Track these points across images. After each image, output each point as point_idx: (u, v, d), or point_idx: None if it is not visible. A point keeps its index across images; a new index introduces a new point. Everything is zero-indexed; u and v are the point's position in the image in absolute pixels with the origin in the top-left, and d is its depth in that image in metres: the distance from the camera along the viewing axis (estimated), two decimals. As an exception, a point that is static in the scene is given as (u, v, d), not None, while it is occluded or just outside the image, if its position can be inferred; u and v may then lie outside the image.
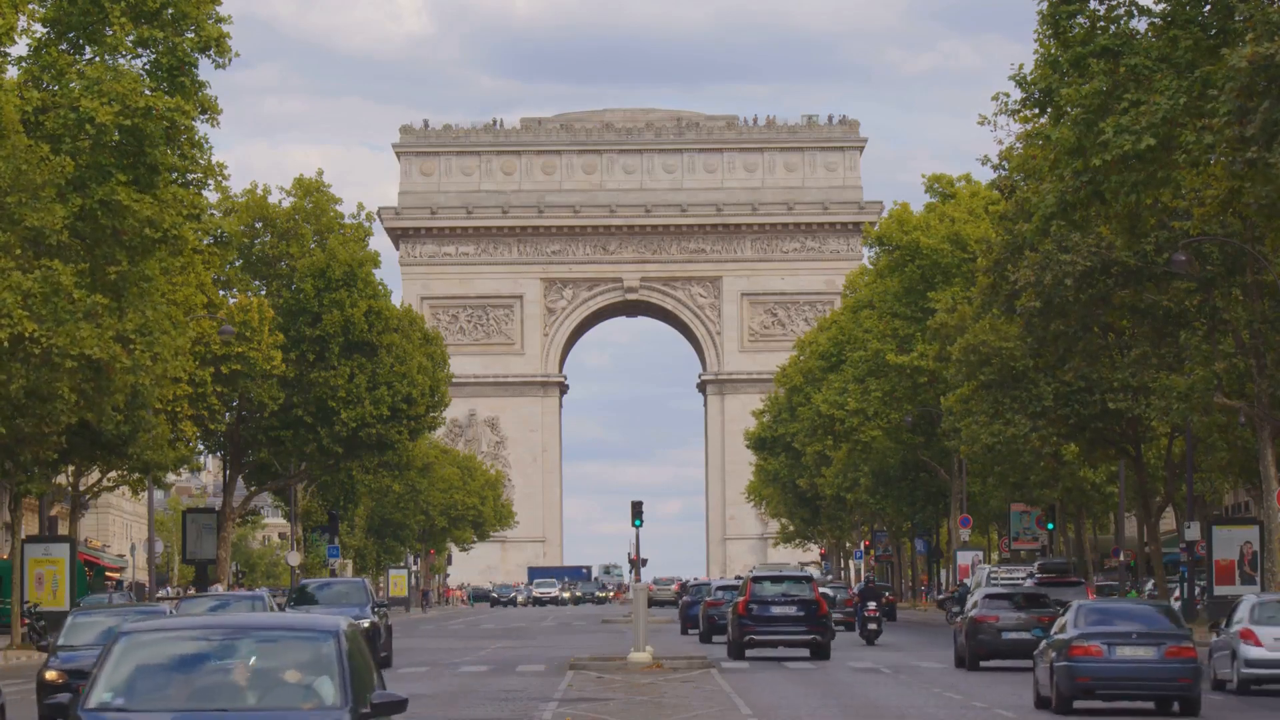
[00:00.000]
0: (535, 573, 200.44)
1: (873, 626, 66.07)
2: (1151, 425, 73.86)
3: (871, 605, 66.45)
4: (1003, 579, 70.19)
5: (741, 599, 56.68)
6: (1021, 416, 74.73)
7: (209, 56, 56.19)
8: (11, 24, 52.47)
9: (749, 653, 56.10)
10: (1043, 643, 37.55)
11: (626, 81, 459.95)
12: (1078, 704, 35.81)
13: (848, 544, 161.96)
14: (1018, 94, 47.03)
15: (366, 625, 48.57)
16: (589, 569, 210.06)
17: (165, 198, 54.95)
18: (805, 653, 55.70)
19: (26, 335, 50.04)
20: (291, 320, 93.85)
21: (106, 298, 54.05)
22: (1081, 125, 44.73)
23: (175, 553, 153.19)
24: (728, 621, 58.94)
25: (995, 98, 47.83)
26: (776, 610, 55.63)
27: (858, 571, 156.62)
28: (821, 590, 62.74)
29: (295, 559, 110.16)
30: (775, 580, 57.03)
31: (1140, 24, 45.38)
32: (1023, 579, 66.67)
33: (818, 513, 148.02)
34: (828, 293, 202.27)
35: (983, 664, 49.79)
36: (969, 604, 52.95)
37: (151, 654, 15.98)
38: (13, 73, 54.72)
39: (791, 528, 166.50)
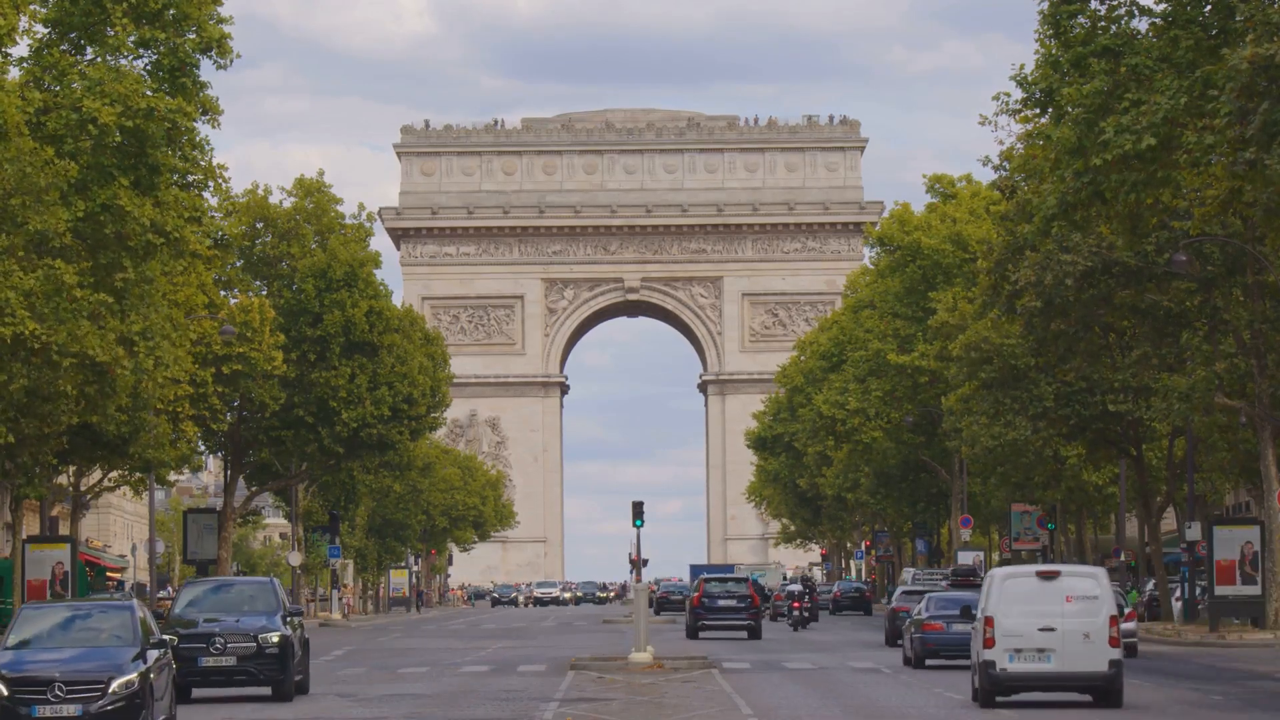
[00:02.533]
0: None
1: (806, 614, 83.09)
2: (1152, 425, 73.84)
3: (805, 598, 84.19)
4: (923, 580, 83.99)
5: (696, 594, 74.25)
6: (1022, 418, 74.71)
7: (210, 57, 56.18)
8: (13, 24, 52.47)
9: (702, 634, 72.68)
10: (907, 621, 53.83)
11: (628, 81, 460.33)
12: (929, 662, 50.93)
13: (849, 544, 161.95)
14: (1019, 94, 47.07)
15: (275, 639, 38.94)
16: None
17: (166, 199, 54.96)
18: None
19: (27, 335, 50.04)
20: (292, 320, 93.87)
21: (109, 299, 54.05)
22: (1082, 125, 44.75)
23: (176, 553, 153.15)
24: (685, 611, 76.96)
25: (996, 97, 47.91)
26: (721, 603, 73.09)
27: (858, 571, 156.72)
28: (789, 588, 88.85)
29: (296, 559, 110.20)
30: (721, 581, 75.73)
31: (1141, 24, 45.41)
32: (939, 580, 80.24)
33: (819, 513, 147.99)
34: (828, 293, 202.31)
35: (898, 641, 59.88)
36: (893, 598, 67.52)
37: None
38: (14, 74, 54.72)
39: (792, 528, 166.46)
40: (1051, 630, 35.71)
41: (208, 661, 38.92)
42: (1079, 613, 35.78)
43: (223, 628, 39.20)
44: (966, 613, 42.49)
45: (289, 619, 39.79)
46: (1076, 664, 35.78)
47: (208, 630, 39.18)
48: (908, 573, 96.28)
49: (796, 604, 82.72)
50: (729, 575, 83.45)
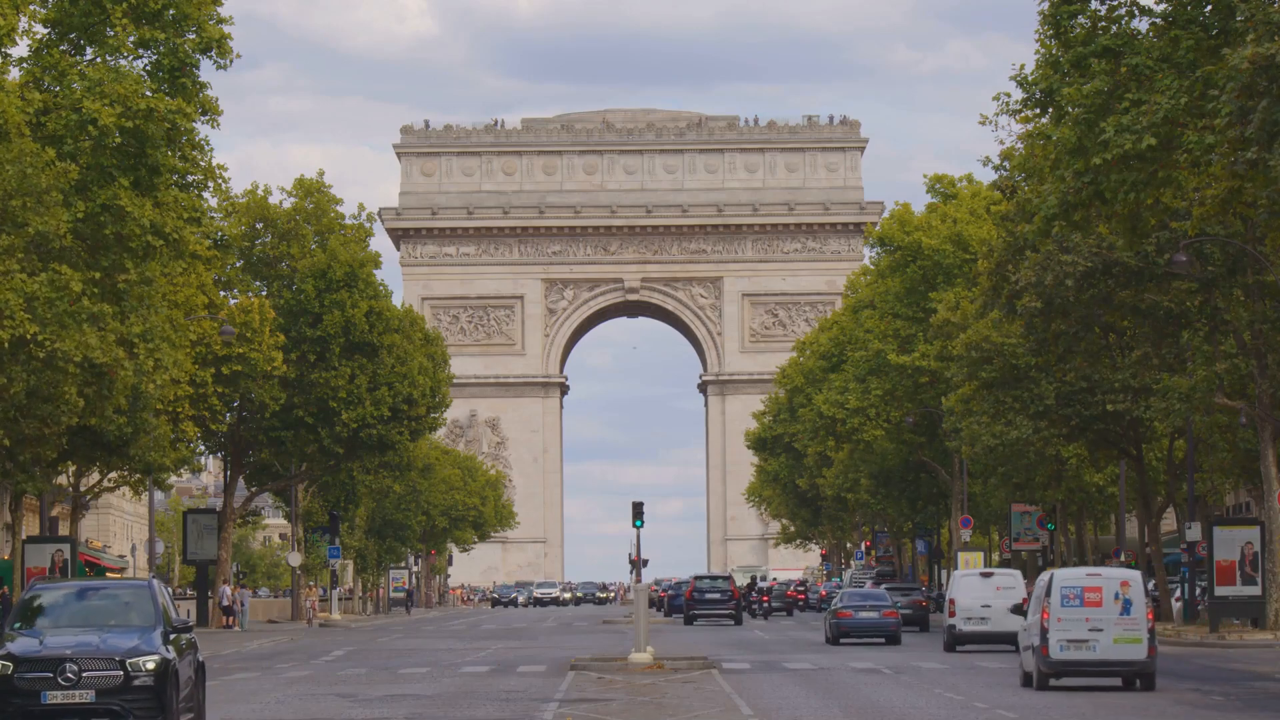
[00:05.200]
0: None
1: (764, 607, 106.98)
2: (1153, 425, 73.79)
3: (766, 595, 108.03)
4: (859, 578, 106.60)
5: (689, 589, 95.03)
6: (1023, 417, 74.65)
7: (210, 58, 56.20)
8: (13, 25, 52.47)
9: (696, 621, 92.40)
10: (827, 610, 71.41)
11: (630, 81, 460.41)
12: (843, 641, 67.24)
13: (849, 544, 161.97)
14: (1019, 94, 47.02)
15: (151, 666, 28.74)
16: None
17: (166, 200, 54.96)
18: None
19: (28, 337, 50.00)
20: (292, 321, 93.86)
21: (110, 303, 54.04)
22: (1082, 125, 44.71)
23: (176, 553, 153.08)
24: (682, 603, 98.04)
25: (996, 97, 47.85)
26: (709, 596, 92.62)
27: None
28: (760, 586, 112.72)
29: (296, 559, 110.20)
30: (711, 579, 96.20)
31: (1141, 24, 45.37)
32: (868, 578, 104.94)
33: (819, 513, 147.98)
34: (829, 293, 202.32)
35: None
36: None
37: None
38: (14, 74, 54.70)
39: (793, 528, 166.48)
40: (988, 606, 58.78)
41: (55, 697, 28.51)
42: (1004, 597, 58.92)
43: (78, 649, 28.81)
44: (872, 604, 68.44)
45: (173, 637, 29.89)
46: (1002, 627, 58.15)
47: (56, 652, 28.77)
48: (846, 574, 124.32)
49: (765, 598, 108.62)
50: (716, 575, 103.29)
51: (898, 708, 37.27)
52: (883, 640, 67.35)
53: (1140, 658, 41.40)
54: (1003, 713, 35.79)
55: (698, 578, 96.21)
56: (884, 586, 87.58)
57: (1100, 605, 41.37)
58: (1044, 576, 42.59)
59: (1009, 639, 56.88)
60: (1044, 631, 41.32)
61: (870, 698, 39.81)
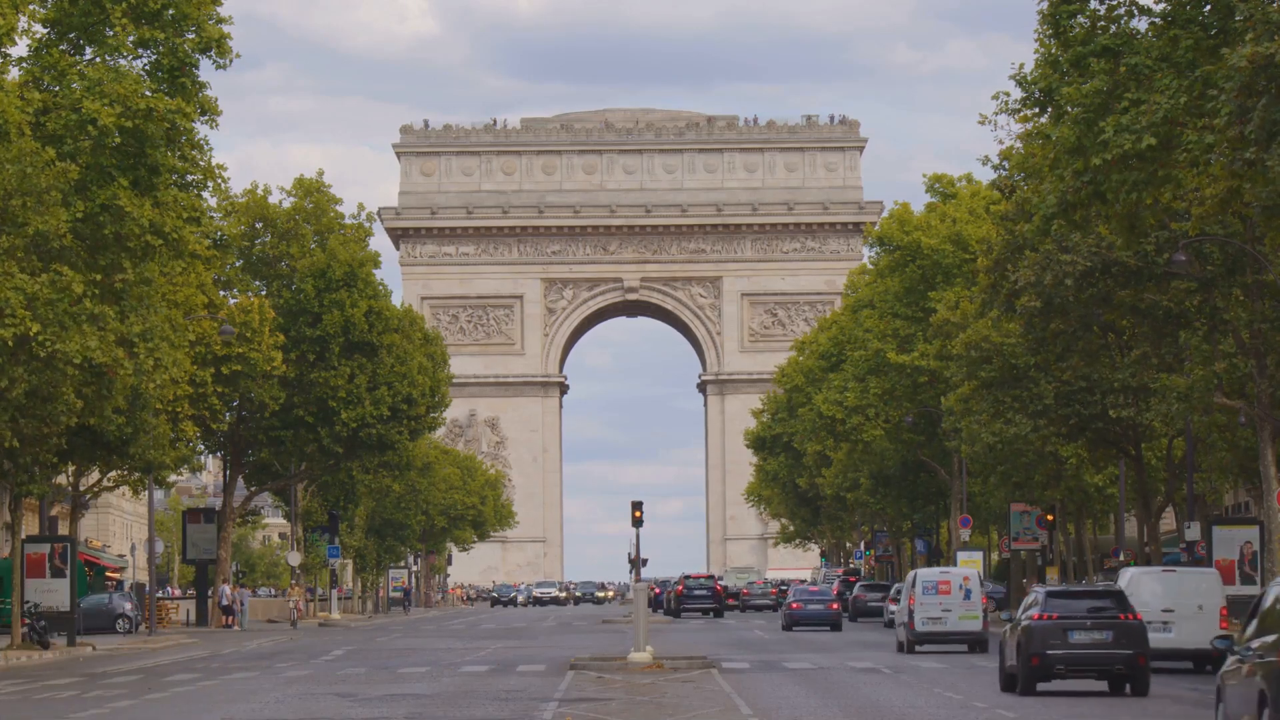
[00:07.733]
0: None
1: (724, 601, 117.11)
2: (1152, 425, 73.77)
3: (722, 589, 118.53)
4: (828, 578, 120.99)
5: (679, 587, 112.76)
6: (1022, 416, 74.62)
7: (210, 57, 56.21)
8: (12, 24, 52.47)
9: (683, 615, 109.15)
10: (783, 604, 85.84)
11: (630, 81, 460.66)
12: (795, 629, 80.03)
13: (848, 544, 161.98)
14: (1018, 93, 47.00)
15: None
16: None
17: (165, 200, 54.97)
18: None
19: (30, 336, 50.00)
20: (292, 320, 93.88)
21: (110, 303, 54.06)
22: (1082, 124, 44.68)
23: (175, 553, 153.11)
24: (671, 599, 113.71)
25: (996, 97, 47.80)
26: (696, 594, 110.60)
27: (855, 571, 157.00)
28: (732, 584, 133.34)
29: (295, 559, 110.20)
30: (696, 579, 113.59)
31: (1141, 24, 45.32)
32: (836, 578, 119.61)
33: (818, 513, 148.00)
34: (828, 293, 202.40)
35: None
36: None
37: None
38: (14, 74, 54.70)
39: (792, 528, 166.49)
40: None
41: None
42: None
43: None
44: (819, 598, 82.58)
45: None
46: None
47: None
48: (820, 572, 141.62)
49: (745, 593, 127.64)
50: (701, 575, 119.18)
51: (897, 707, 37.28)
52: (827, 627, 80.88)
53: (977, 629, 58.75)
54: (1002, 712, 35.82)
55: (686, 577, 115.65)
56: (860, 584, 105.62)
57: (950, 594, 58.64)
58: (910, 575, 60.88)
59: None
60: (911, 612, 58.57)
61: (870, 697, 39.81)
